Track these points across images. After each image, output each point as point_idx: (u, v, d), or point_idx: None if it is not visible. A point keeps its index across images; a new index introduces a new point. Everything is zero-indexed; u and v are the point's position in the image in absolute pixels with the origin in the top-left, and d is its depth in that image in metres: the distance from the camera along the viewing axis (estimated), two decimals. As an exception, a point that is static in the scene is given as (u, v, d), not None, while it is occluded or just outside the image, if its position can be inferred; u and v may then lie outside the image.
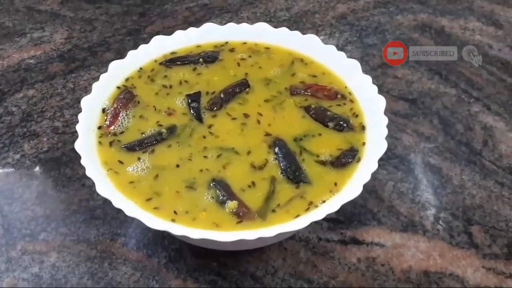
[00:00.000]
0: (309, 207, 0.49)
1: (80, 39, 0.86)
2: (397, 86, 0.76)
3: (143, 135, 0.55)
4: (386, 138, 0.51)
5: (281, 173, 0.52)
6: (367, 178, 0.48)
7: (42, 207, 0.61)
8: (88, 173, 0.48)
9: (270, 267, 0.55)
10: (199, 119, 0.57)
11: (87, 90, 0.72)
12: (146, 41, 0.64)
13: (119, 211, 0.46)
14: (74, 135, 0.63)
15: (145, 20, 0.90)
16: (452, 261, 0.55)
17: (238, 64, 0.63)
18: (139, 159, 0.53)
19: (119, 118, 0.56)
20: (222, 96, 0.59)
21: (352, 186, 0.50)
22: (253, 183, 0.51)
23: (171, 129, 0.55)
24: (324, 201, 0.49)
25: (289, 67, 0.63)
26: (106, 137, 0.55)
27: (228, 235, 0.45)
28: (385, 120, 0.53)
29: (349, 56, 0.61)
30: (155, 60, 0.63)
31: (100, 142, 0.54)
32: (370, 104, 0.56)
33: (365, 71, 0.59)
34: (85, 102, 0.56)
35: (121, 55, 0.62)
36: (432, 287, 0.53)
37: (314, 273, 0.54)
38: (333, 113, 0.57)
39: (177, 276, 0.54)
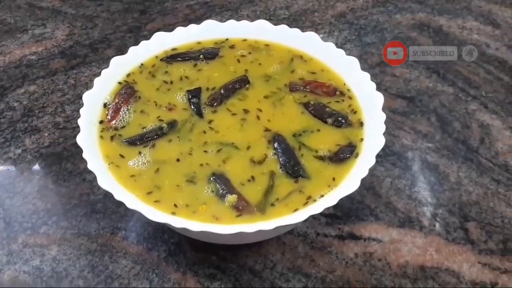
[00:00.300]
0: (308, 201, 0.49)
1: (81, 36, 0.86)
2: (395, 84, 0.77)
3: (144, 130, 0.56)
4: (384, 135, 0.52)
5: (280, 167, 0.52)
6: (365, 173, 0.49)
7: (43, 201, 0.61)
8: (89, 166, 0.48)
9: (268, 261, 0.55)
10: (200, 114, 0.57)
11: (88, 86, 0.72)
12: (147, 38, 0.65)
13: (120, 205, 0.46)
14: (75, 130, 0.64)
15: (146, 17, 0.91)
16: (448, 257, 0.56)
17: (238, 61, 0.64)
18: (140, 153, 0.53)
19: (121, 112, 0.57)
20: (222, 92, 0.59)
21: (350, 180, 0.50)
22: (252, 177, 0.51)
23: (172, 124, 0.56)
24: (322, 196, 0.50)
25: (289, 64, 0.64)
26: (107, 131, 0.55)
27: (227, 228, 0.45)
28: (383, 116, 0.54)
29: (348, 54, 0.62)
30: (156, 56, 0.64)
31: (101, 136, 0.54)
32: (368, 101, 0.57)
33: (363, 69, 0.60)
34: (86, 97, 0.56)
35: (121, 51, 0.63)
36: (428, 282, 0.54)
37: (312, 267, 0.55)
38: (331, 109, 0.58)
39: (177, 270, 0.55)
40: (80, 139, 0.51)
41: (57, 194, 0.62)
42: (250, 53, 0.65)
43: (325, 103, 0.58)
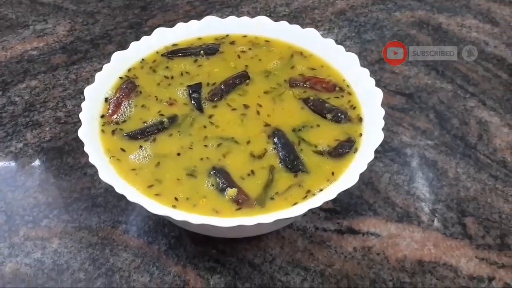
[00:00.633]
0: (307, 195, 0.50)
1: (83, 32, 0.87)
2: (394, 81, 0.77)
3: (145, 124, 0.56)
4: (383, 131, 0.52)
5: (280, 162, 0.53)
6: (363, 167, 0.49)
7: (45, 194, 0.62)
8: (91, 159, 0.49)
9: (268, 255, 0.56)
10: (200, 109, 0.58)
11: (89, 82, 0.73)
12: (148, 34, 0.65)
13: (120, 199, 0.47)
14: (76, 125, 0.65)
15: (147, 13, 0.91)
16: (446, 251, 0.57)
17: (239, 56, 0.64)
18: (141, 147, 0.54)
19: (122, 107, 0.57)
20: (222, 87, 0.60)
21: (348, 175, 0.51)
22: (252, 171, 0.52)
23: (172, 119, 0.56)
24: (321, 190, 0.50)
25: (289, 59, 0.64)
26: (108, 125, 0.56)
27: (227, 221, 0.46)
28: (382, 112, 0.54)
29: (348, 51, 0.62)
30: (157, 52, 0.64)
31: (102, 130, 0.55)
32: (368, 97, 0.57)
33: (363, 66, 0.60)
34: (88, 91, 0.57)
35: (122, 47, 0.63)
36: (426, 276, 0.54)
37: (311, 261, 0.55)
38: (331, 105, 0.58)
39: (177, 263, 0.55)
40: (81, 133, 0.52)
41: (58, 188, 0.62)
42: (250, 49, 0.65)
43: (324, 99, 0.59)
